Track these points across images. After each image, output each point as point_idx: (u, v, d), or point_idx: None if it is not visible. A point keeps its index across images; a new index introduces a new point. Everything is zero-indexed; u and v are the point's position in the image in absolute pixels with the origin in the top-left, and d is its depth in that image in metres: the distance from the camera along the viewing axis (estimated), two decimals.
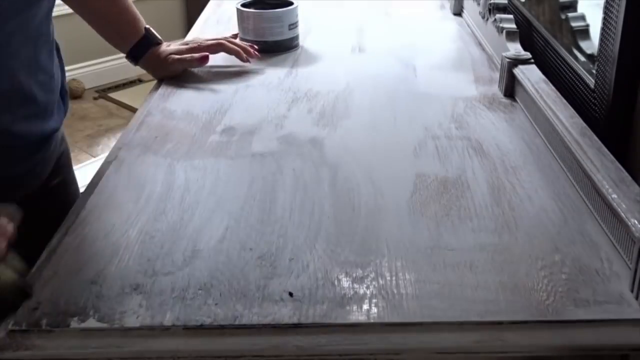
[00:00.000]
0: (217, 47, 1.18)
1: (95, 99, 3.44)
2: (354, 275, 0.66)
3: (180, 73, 1.16)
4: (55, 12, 0.87)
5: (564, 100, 0.91)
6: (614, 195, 0.69)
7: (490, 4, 1.21)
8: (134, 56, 1.14)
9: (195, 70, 1.18)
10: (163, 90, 1.11)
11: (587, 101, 0.94)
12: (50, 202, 0.95)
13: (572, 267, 0.66)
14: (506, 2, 1.21)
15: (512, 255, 0.68)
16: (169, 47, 1.16)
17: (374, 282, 0.65)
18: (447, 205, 0.77)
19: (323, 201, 0.78)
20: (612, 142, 0.82)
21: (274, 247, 0.70)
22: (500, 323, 0.60)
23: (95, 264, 0.68)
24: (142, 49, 1.13)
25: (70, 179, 1.05)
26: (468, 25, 1.40)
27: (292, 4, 1.28)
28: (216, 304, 0.62)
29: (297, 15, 1.29)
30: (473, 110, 1.01)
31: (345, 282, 0.65)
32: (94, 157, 2.81)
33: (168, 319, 0.60)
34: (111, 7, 1.09)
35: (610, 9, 0.85)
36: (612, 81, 0.86)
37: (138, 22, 1.12)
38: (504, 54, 1.06)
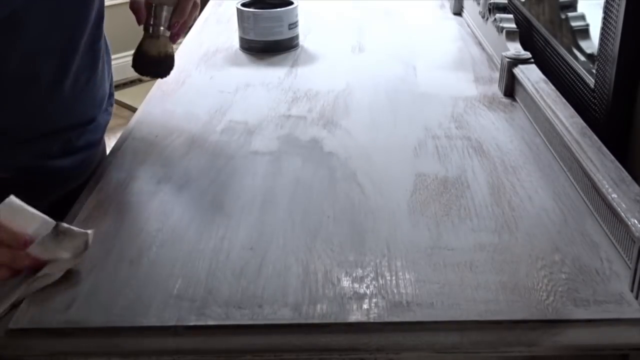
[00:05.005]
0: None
1: None
2: (354, 275, 0.66)
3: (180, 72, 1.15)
4: None
5: (564, 100, 0.91)
6: (614, 195, 0.69)
7: (490, 3, 1.21)
8: None
9: (195, 70, 1.18)
10: (163, 90, 1.11)
11: (587, 101, 0.94)
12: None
13: (572, 267, 0.66)
14: (506, 1, 1.21)
15: (512, 255, 0.68)
16: None
17: (374, 282, 0.65)
18: (447, 205, 0.77)
19: (323, 201, 0.78)
20: (612, 142, 0.82)
21: (274, 247, 0.70)
22: (500, 323, 0.60)
23: (94, 264, 0.68)
24: None
25: None
26: (468, 25, 1.40)
27: (292, 3, 1.28)
28: (216, 304, 0.62)
29: (297, 15, 1.29)
30: (473, 110, 1.01)
31: (345, 282, 0.65)
32: None
33: (168, 319, 0.60)
34: None
35: (610, 8, 0.85)
36: (612, 81, 0.86)
37: None
38: (503, 53, 1.06)
